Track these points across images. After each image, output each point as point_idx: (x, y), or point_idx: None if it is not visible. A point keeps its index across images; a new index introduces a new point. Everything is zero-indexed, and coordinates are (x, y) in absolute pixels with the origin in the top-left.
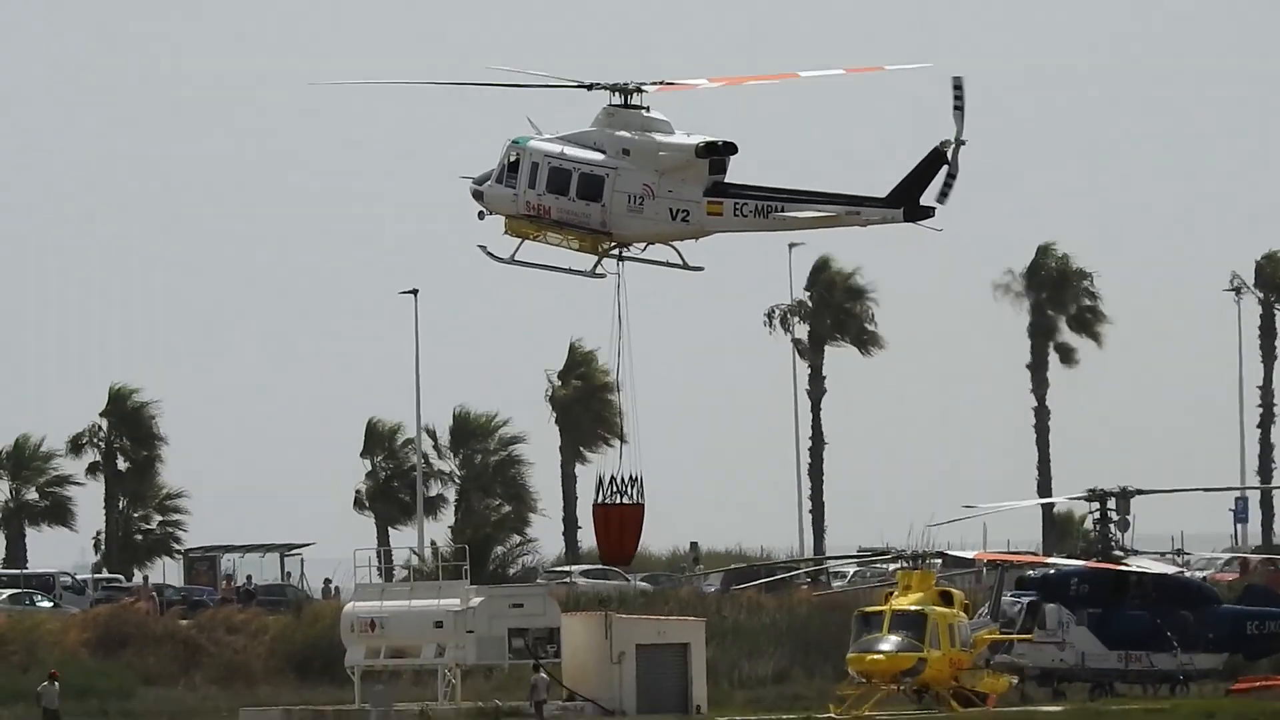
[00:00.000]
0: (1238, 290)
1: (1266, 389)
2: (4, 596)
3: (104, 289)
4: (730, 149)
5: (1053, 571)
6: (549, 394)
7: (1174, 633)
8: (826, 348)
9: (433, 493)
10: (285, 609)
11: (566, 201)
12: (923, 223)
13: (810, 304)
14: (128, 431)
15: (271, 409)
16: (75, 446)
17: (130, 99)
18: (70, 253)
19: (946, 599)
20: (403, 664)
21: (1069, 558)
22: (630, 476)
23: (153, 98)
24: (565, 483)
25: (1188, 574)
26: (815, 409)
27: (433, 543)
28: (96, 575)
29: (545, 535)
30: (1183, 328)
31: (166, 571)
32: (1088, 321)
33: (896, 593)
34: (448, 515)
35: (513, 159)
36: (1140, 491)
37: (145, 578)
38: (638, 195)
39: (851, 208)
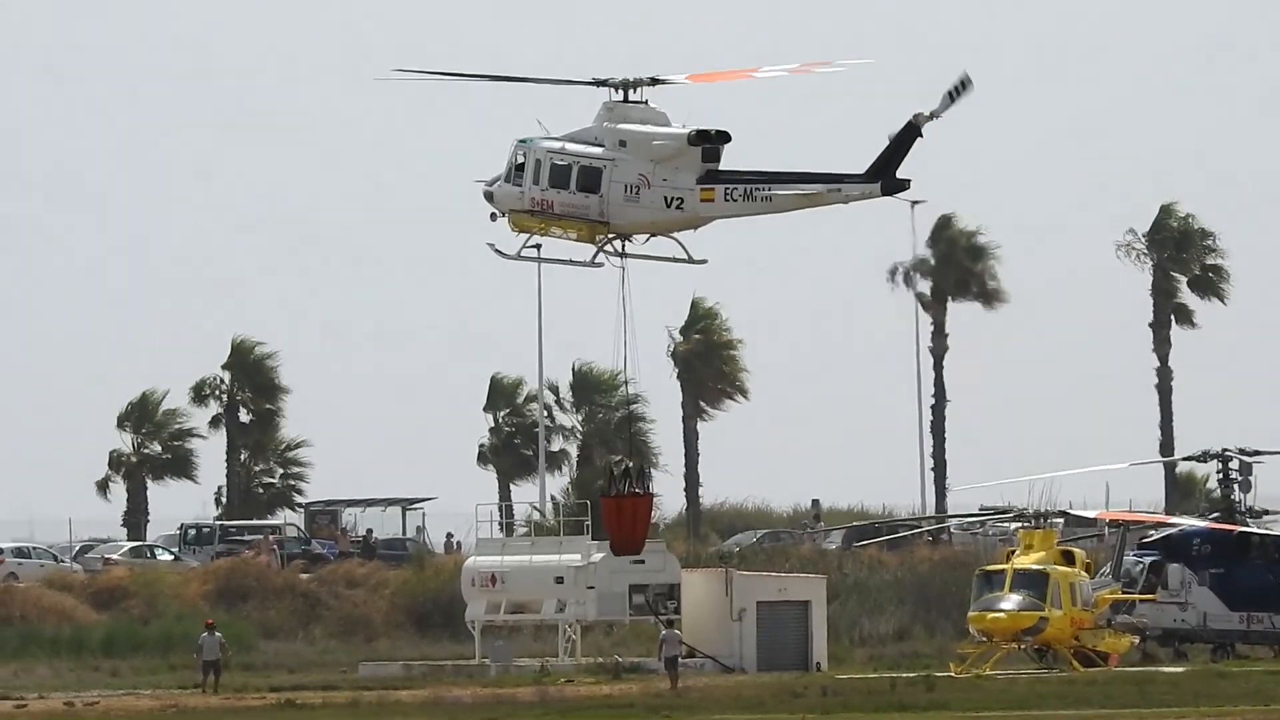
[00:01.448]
0: None
1: None
2: (125, 549)
3: (227, 241)
4: (723, 137)
5: (1175, 532)
6: (670, 350)
7: None
8: (949, 305)
9: (554, 448)
10: (406, 563)
11: (567, 195)
12: (899, 195)
13: (933, 261)
14: (250, 383)
15: (395, 363)
16: (198, 398)
17: (253, 61)
18: (194, 205)
19: (1068, 558)
20: (523, 619)
21: (1192, 518)
22: (640, 469)
23: (273, 65)
24: (687, 438)
25: None
26: (938, 366)
27: (553, 498)
28: (223, 521)
29: (667, 491)
30: None
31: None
32: (1210, 282)
33: (1018, 552)
34: (569, 471)
35: (519, 159)
36: (1259, 452)
37: (270, 530)
38: (634, 185)
39: (833, 185)
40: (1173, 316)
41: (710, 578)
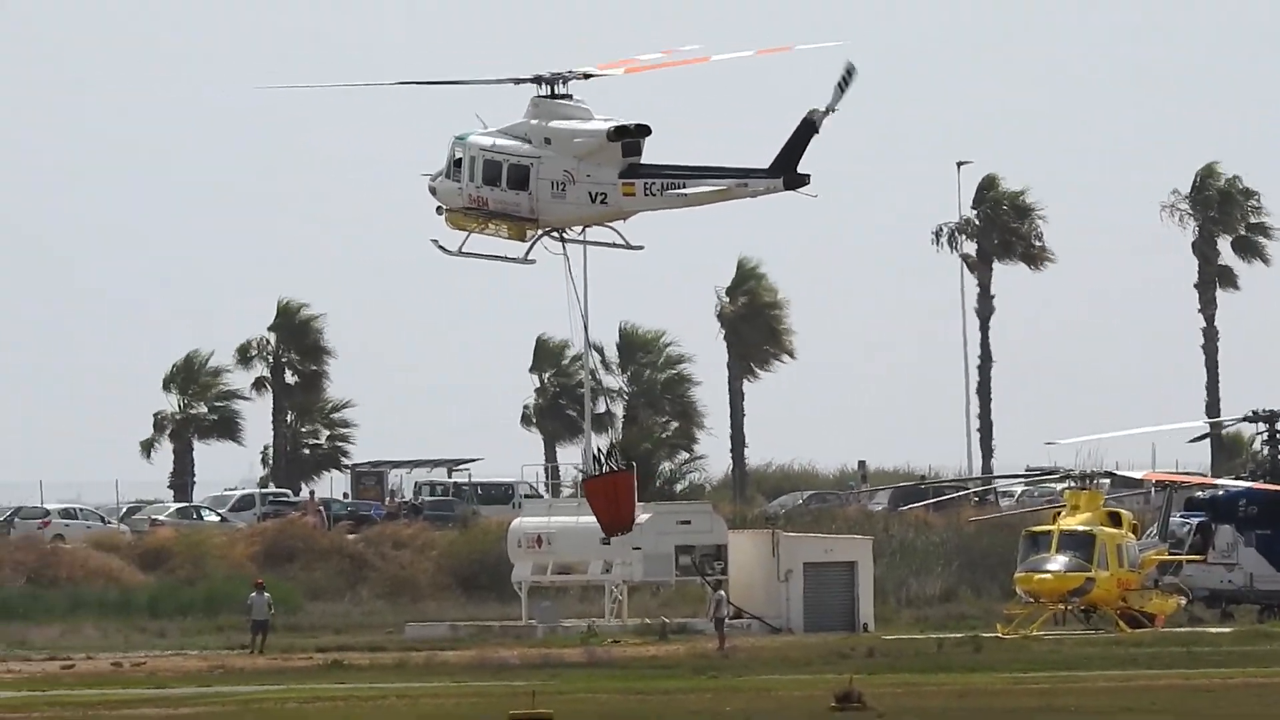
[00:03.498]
0: None
1: None
2: (171, 510)
3: (272, 202)
4: (642, 130)
5: (1222, 493)
6: (717, 310)
7: None
8: (995, 265)
9: (600, 409)
10: (452, 524)
11: (499, 192)
12: (800, 190)
13: (978, 222)
14: (295, 345)
15: (440, 324)
16: (243, 359)
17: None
18: (240, 167)
19: (1115, 519)
20: (570, 580)
21: (1238, 478)
22: (610, 445)
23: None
24: (733, 399)
25: None
26: (983, 327)
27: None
28: (264, 490)
29: (713, 452)
30: None
31: (334, 485)
32: (1254, 243)
33: (1065, 513)
34: (615, 432)
35: (456, 155)
36: None
37: (312, 492)
38: (559, 181)
39: (740, 180)
40: (1217, 278)
41: (757, 539)
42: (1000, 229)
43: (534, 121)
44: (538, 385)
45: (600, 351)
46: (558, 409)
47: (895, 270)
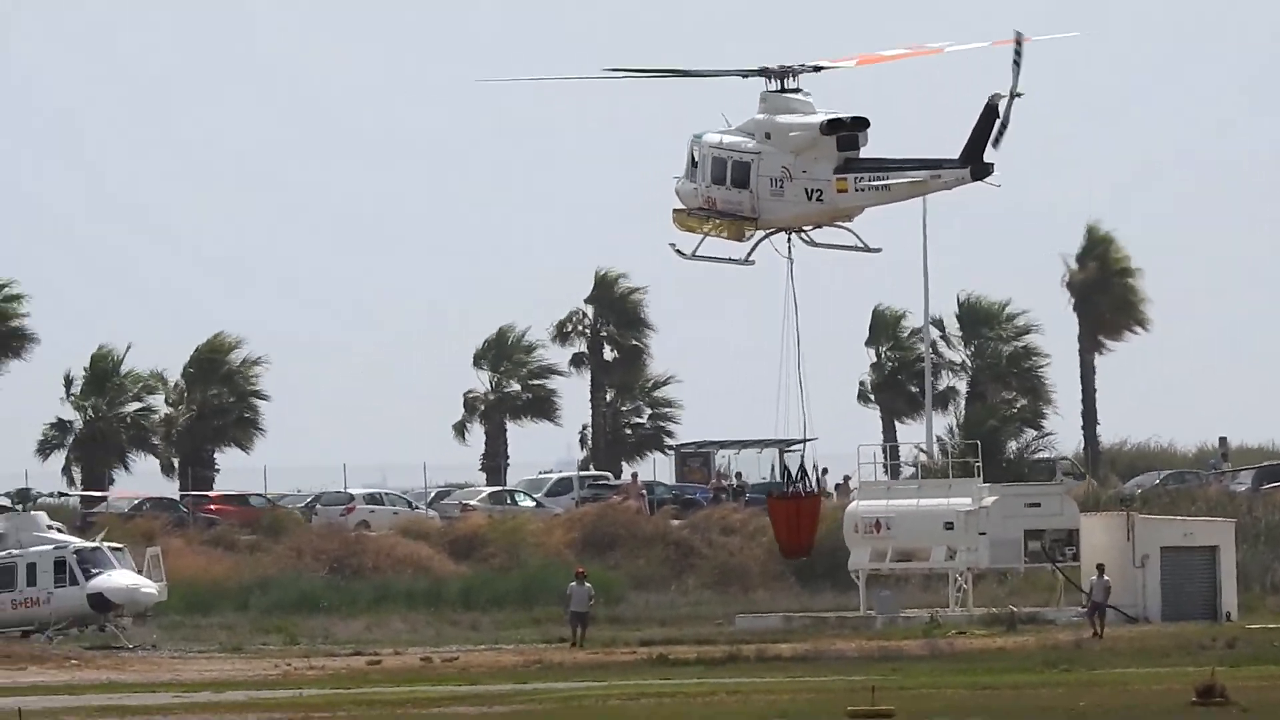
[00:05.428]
0: None
1: None
2: (484, 495)
3: (589, 172)
4: (859, 123)
5: None
6: (1065, 279)
7: None
8: None
9: (942, 385)
10: None
11: (725, 190)
12: (985, 180)
13: None
14: (615, 318)
15: (770, 295)
16: (560, 335)
17: None
18: (555, 135)
19: None
20: (910, 567)
21: None
22: (800, 466)
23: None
24: (1084, 373)
25: None
26: None
27: (940, 438)
28: (583, 472)
29: (1062, 429)
30: None
31: (657, 468)
32: None
33: None
34: (958, 409)
35: (693, 154)
36: None
37: (634, 475)
38: (778, 178)
39: (934, 172)
40: None
41: (1110, 522)
42: None
43: (759, 117)
44: (874, 360)
45: (940, 324)
46: (896, 384)
47: (1255, 232)
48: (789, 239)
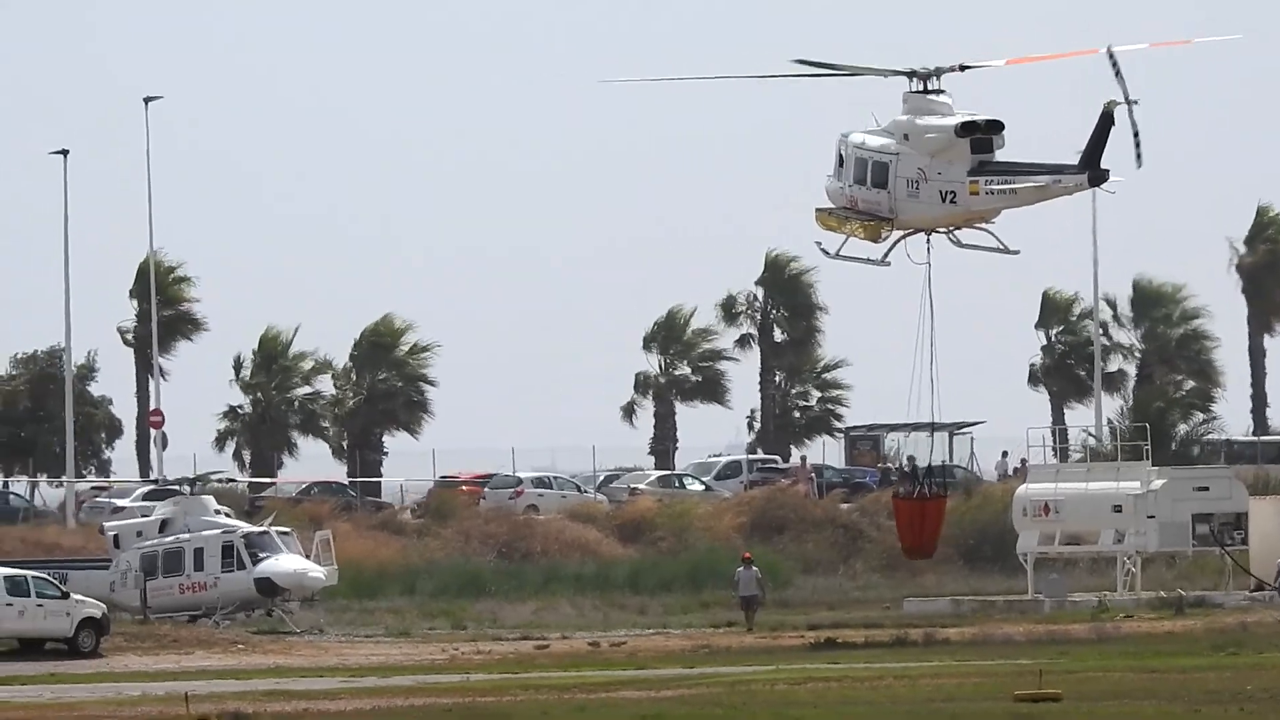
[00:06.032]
0: None
1: None
2: (652, 478)
3: (763, 154)
4: (994, 126)
5: None
6: (1234, 261)
7: None
8: None
9: (1111, 368)
10: (953, 491)
11: (865, 190)
12: (1101, 186)
13: None
14: (785, 300)
15: (939, 275)
16: (729, 316)
17: None
18: (734, 116)
19: None
20: (1079, 551)
21: None
22: (929, 465)
23: None
24: (1253, 356)
25: None
26: None
27: (1110, 421)
28: (751, 456)
29: (1230, 414)
30: None
31: (826, 451)
32: None
33: None
34: (1127, 392)
35: (840, 153)
36: None
37: (804, 458)
38: (914, 180)
39: (1055, 176)
40: None
41: None
42: None
43: (900, 118)
44: (1044, 342)
45: (1113, 306)
46: (1065, 368)
47: None
48: (928, 240)
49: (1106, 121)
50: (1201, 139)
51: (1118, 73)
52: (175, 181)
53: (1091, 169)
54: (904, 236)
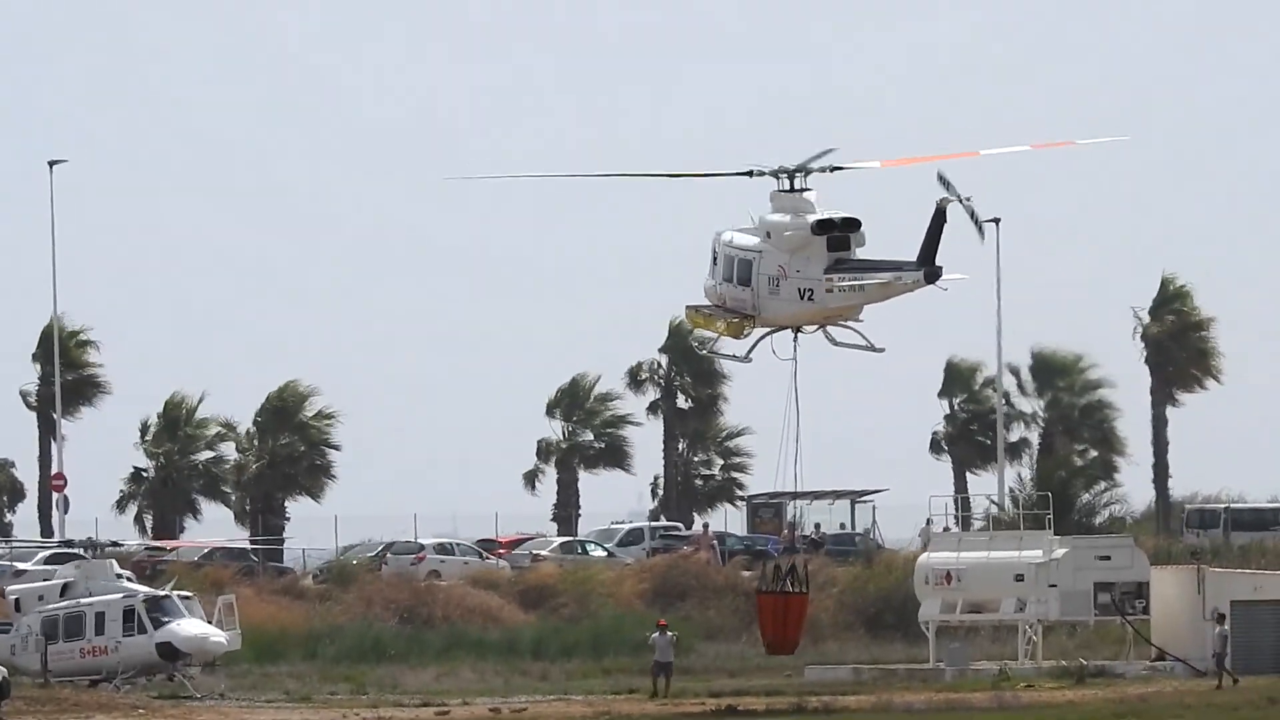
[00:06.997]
0: None
1: None
2: (554, 545)
3: (664, 221)
4: (850, 224)
5: None
6: (1138, 331)
7: None
8: None
9: (1014, 436)
10: (854, 559)
11: (732, 288)
12: (936, 284)
13: None
14: (689, 368)
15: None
16: (634, 383)
17: None
18: (626, 187)
19: None
20: (981, 619)
21: None
22: (792, 565)
23: None
24: (1156, 425)
25: None
26: None
27: (1012, 489)
28: (654, 523)
29: (1133, 483)
30: None
31: (729, 519)
32: None
33: None
34: (1030, 460)
35: (714, 251)
36: None
37: (706, 525)
38: (775, 277)
39: (897, 273)
40: None
41: (1181, 575)
42: None
43: (767, 216)
44: (948, 411)
45: (1016, 375)
46: (968, 435)
47: None
48: (795, 337)
49: (939, 219)
50: (1107, 209)
51: (946, 184)
52: (79, 245)
53: (927, 266)
54: (767, 334)
